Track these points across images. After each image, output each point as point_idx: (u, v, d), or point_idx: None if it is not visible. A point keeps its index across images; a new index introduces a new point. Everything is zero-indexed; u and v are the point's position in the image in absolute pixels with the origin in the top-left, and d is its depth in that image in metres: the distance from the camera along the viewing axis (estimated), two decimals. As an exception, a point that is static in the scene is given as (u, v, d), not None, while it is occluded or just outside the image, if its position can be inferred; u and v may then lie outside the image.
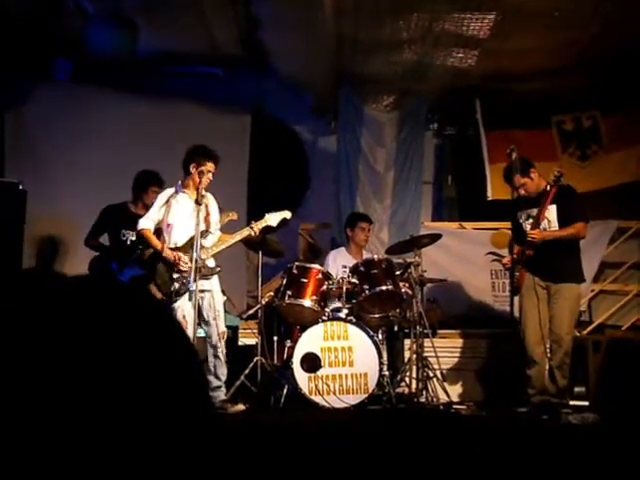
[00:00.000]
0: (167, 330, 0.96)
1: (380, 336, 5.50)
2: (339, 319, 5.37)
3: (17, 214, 5.74)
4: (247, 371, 5.32)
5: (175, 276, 5.00)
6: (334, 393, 5.10)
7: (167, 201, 5.15)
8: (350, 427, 4.20)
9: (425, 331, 5.56)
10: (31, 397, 0.82)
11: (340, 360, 5.19)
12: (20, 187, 5.79)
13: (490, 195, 7.41)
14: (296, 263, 5.64)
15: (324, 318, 5.35)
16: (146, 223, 5.16)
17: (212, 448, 0.91)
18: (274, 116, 7.91)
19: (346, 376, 5.16)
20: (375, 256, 5.72)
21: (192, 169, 5.07)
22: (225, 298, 5.40)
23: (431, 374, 5.49)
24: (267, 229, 5.39)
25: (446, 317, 6.60)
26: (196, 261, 4.82)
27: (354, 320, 5.37)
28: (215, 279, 5.14)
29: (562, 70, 6.80)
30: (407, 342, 5.81)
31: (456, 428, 4.27)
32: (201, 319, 5.04)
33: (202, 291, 4.98)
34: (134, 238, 5.58)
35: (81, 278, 1.03)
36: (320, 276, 5.49)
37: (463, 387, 6.33)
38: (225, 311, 5.34)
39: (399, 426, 4.11)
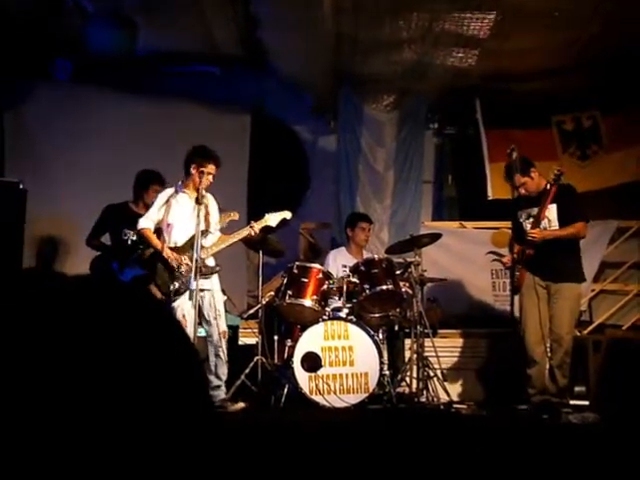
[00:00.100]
0: (167, 329, 0.96)
1: (380, 336, 5.49)
2: (339, 318, 5.37)
3: (17, 214, 5.74)
4: (247, 371, 5.31)
5: (175, 275, 5.01)
6: (334, 392, 5.10)
7: (167, 201, 5.16)
8: (351, 427, 4.19)
9: (425, 331, 5.56)
10: (31, 397, 0.82)
11: (340, 360, 5.19)
12: (20, 187, 5.79)
13: (490, 194, 7.41)
14: (296, 263, 5.64)
15: (324, 317, 5.35)
16: (146, 223, 5.18)
17: (212, 447, 0.91)
18: (274, 116, 7.90)
19: (347, 375, 5.16)
20: (375, 256, 5.71)
21: (193, 170, 5.08)
22: (225, 298, 5.40)
23: (431, 374, 5.49)
24: (267, 229, 5.39)
25: (446, 317, 6.60)
26: (196, 261, 4.83)
27: (354, 319, 5.37)
28: (215, 278, 5.15)
29: (562, 70, 6.80)
30: (407, 342, 5.82)
31: (456, 428, 4.27)
32: (202, 318, 5.05)
33: (202, 290, 4.99)
34: (135, 238, 5.59)
35: (81, 278, 1.03)
36: (320, 276, 5.49)
37: (463, 387, 6.33)
38: (226, 311, 5.35)
39: (400, 426, 4.11)
